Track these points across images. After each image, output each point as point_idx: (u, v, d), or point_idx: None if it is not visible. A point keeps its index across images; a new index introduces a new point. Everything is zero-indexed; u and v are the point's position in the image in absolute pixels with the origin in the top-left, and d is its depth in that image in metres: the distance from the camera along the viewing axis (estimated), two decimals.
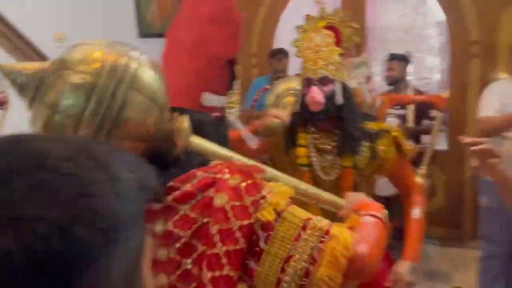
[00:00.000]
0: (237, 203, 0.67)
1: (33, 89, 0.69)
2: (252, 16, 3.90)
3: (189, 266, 0.67)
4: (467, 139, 1.24)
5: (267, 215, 0.69)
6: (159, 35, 3.50)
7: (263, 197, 0.69)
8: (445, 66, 3.56)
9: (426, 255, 3.15)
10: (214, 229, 0.65)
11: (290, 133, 1.56)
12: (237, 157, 0.84)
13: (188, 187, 0.69)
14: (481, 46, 3.21)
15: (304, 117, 1.53)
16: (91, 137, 0.65)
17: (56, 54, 1.41)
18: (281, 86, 2.13)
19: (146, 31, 3.42)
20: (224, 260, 0.65)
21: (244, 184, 0.69)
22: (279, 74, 3.39)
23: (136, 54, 0.71)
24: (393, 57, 3.20)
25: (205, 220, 0.67)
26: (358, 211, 0.84)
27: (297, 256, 0.67)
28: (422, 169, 2.22)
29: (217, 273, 0.65)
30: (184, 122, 0.78)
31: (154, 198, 0.66)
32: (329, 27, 1.62)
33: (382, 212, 0.85)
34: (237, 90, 1.54)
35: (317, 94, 1.46)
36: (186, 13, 1.24)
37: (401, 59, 3.19)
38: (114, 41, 0.73)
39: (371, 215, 0.81)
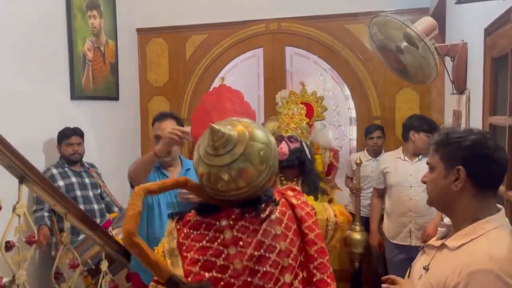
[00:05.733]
0: (300, 201, 1.32)
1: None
2: (184, 86, 4.18)
3: (292, 236, 1.23)
4: None
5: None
6: (90, 98, 3.64)
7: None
8: (353, 135, 4.04)
9: None
10: (301, 213, 1.28)
11: None
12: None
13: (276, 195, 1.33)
14: (381, 120, 3.74)
15: None
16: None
17: None
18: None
19: (78, 94, 3.52)
20: (314, 226, 1.28)
21: (295, 192, 1.35)
22: None
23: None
24: None
25: (290, 211, 1.28)
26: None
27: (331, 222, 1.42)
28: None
29: (314, 233, 1.26)
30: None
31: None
32: (305, 103, 2.06)
33: None
34: None
35: (284, 147, 1.90)
36: (215, 106, 1.72)
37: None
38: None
39: None
